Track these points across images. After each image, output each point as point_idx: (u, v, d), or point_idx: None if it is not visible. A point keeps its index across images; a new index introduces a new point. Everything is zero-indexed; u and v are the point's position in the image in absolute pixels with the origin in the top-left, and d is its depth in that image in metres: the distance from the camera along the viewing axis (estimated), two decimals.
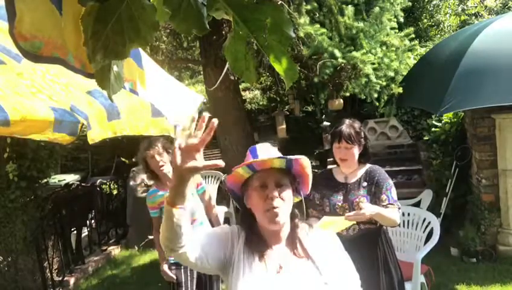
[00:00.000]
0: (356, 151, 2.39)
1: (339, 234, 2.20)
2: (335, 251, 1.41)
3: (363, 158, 2.45)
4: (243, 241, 1.37)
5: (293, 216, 1.39)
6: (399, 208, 2.30)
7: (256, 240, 1.36)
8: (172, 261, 3.01)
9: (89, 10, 0.84)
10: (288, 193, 1.35)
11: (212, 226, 3.19)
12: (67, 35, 0.95)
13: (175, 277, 2.97)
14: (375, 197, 2.32)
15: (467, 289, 3.84)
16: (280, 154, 1.37)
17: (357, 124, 2.44)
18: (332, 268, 1.34)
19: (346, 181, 2.43)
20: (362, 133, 2.43)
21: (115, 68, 0.92)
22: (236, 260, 1.35)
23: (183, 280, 2.98)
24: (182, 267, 2.97)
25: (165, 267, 3.00)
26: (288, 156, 1.33)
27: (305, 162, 1.38)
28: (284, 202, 1.33)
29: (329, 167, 2.62)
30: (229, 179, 1.39)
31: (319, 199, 2.47)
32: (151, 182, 3.08)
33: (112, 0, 0.83)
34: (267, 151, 1.38)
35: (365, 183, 2.37)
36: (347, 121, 2.44)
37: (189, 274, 3.01)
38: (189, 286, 3.00)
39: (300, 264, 1.34)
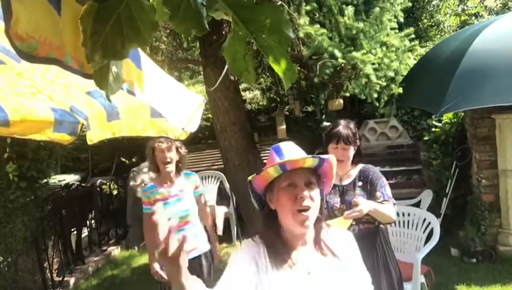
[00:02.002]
0: (352, 152, 2.41)
1: None
2: (354, 249, 1.41)
3: (357, 158, 2.46)
4: (266, 254, 1.33)
5: (318, 218, 1.35)
6: (394, 204, 2.32)
7: (280, 246, 1.32)
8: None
9: (89, 10, 0.84)
10: (317, 192, 1.32)
11: (205, 229, 3.17)
12: (66, 36, 0.95)
13: (166, 277, 2.95)
14: (370, 196, 2.34)
15: (467, 289, 3.84)
16: (305, 153, 1.35)
17: (352, 125, 2.46)
18: (354, 266, 1.34)
19: (341, 183, 2.44)
20: (357, 134, 2.45)
21: (113, 68, 0.92)
22: (267, 276, 1.30)
23: None
24: None
25: (157, 266, 2.96)
26: (321, 156, 1.32)
27: (334, 161, 1.36)
28: (314, 202, 1.30)
29: None
30: (257, 180, 1.33)
31: None
32: (152, 175, 3.07)
33: (111, 0, 0.83)
34: (293, 150, 1.35)
35: (360, 183, 2.39)
36: (343, 122, 2.45)
37: None
38: None
39: (328, 265, 1.32)
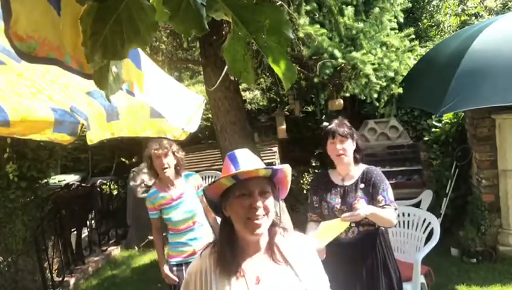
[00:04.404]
0: (350, 145, 2.40)
1: (338, 237, 2.21)
2: (311, 256, 1.42)
3: (358, 154, 2.45)
4: (212, 263, 1.35)
5: (272, 223, 1.37)
6: (395, 209, 2.31)
7: (229, 254, 1.34)
8: (173, 262, 3.00)
9: (88, 10, 0.84)
10: (271, 201, 1.34)
11: (212, 227, 3.19)
12: (66, 36, 0.95)
13: (177, 279, 2.95)
14: (372, 199, 2.33)
15: (467, 289, 3.84)
16: (261, 162, 1.38)
17: (345, 121, 2.48)
18: (310, 273, 1.35)
19: (343, 183, 2.42)
20: (352, 128, 2.46)
21: (113, 69, 0.92)
22: (213, 285, 1.32)
23: None
24: (184, 268, 2.96)
25: (166, 269, 2.99)
26: (274, 167, 1.34)
27: (287, 171, 1.38)
28: (268, 211, 1.32)
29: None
30: (211, 189, 1.36)
31: (318, 202, 2.46)
32: (151, 182, 3.10)
33: (111, 0, 0.83)
34: (249, 160, 1.36)
35: (362, 185, 2.37)
36: (336, 120, 2.48)
37: None
38: None
39: (279, 272, 1.33)
